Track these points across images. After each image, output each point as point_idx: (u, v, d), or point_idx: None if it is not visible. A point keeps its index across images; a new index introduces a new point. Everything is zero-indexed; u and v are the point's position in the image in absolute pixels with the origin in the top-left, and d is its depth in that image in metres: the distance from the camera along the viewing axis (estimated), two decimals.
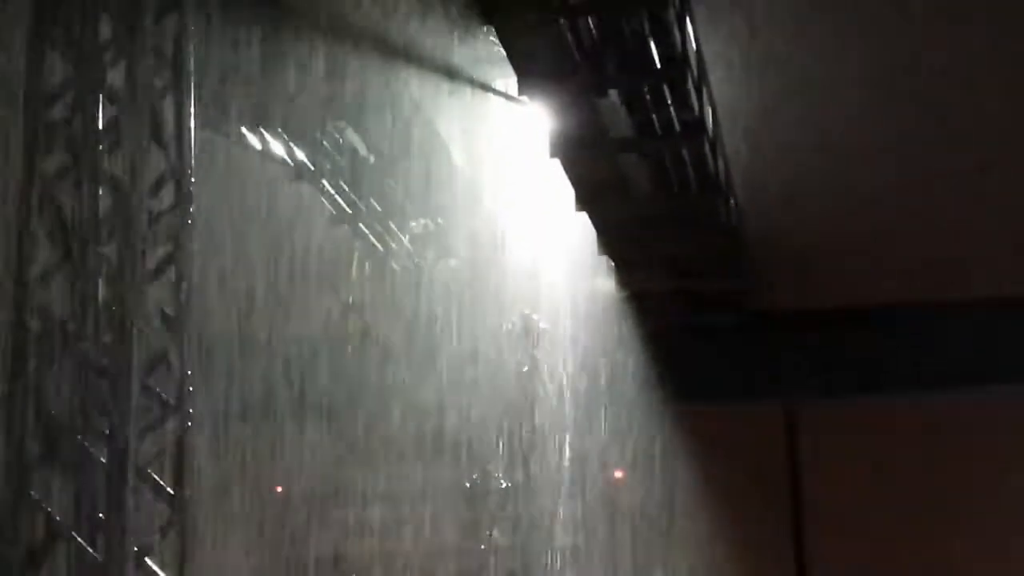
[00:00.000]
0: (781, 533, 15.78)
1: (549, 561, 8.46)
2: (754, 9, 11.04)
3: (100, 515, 5.09)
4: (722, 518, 13.72)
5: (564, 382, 9.44)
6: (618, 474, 10.79)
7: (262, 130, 8.93)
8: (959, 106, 13.87)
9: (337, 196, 9.04)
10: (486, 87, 9.42)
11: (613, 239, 10.98)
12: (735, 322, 13.35)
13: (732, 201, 11.72)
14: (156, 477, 5.35)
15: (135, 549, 5.05)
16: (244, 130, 8.89)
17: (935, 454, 16.92)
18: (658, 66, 9.43)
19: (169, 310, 5.57)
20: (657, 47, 9.33)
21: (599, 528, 9.94)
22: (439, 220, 9.23)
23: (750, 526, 14.30)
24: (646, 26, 9.15)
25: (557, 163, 9.20)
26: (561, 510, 8.91)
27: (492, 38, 9.06)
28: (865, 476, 15.85)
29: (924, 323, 15.32)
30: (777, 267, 13.60)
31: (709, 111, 10.18)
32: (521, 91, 9.35)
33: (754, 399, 14.71)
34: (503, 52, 8.97)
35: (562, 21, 9.02)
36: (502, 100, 9.22)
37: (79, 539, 5.03)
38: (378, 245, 9.14)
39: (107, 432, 5.11)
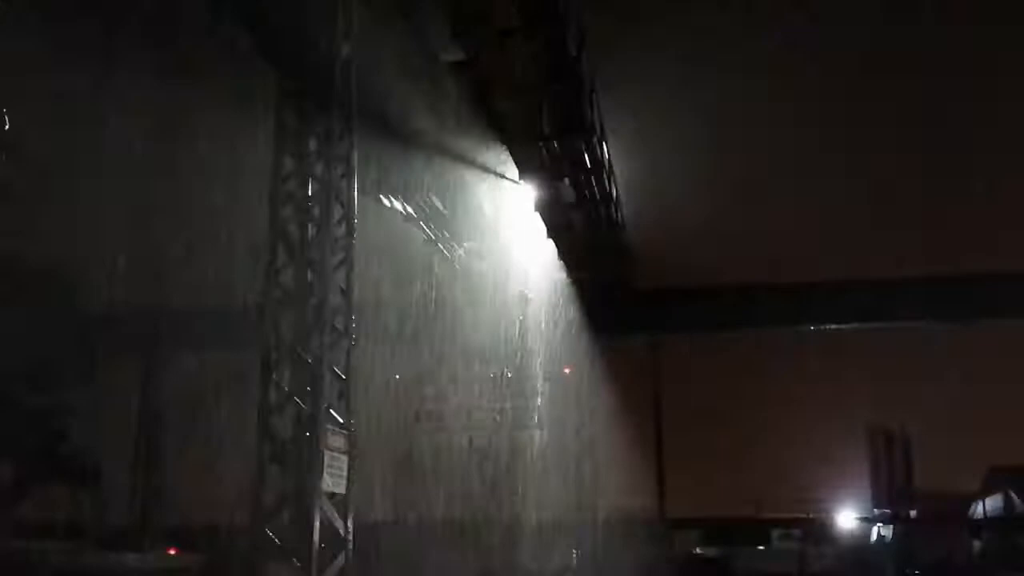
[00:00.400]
0: (648, 429, 24.93)
1: (535, 407, 17.00)
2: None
3: None
4: (612, 408, 22.82)
5: (541, 326, 18.02)
6: (567, 369, 19.56)
7: (391, 196, 17.04)
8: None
9: (427, 229, 17.35)
10: (501, 175, 17.84)
11: (564, 253, 19.86)
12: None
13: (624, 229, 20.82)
14: None
15: None
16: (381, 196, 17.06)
17: (763, 376, 26.51)
18: (588, 166, 18.36)
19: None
20: (588, 155, 18.19)
21: (552, 393, 18.30)
22: (477, 242, 17.58)
23: (630, 417, 23.36)
24: (582, 146, 17.96)
25: (539, 215, 18.00)
26: (539, 384, 17.43)
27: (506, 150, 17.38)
28: (709, 388, 25.26)
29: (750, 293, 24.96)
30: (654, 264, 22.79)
31: (615, 188, 19.19)
32: (521, 177, 18.01)
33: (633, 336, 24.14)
34: (512, 158, 17.40)
35: (540, 143, 17.76)
36: (510, 183, 17.73)
37: None
38: (446, 253, 17.44)
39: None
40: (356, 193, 12.40)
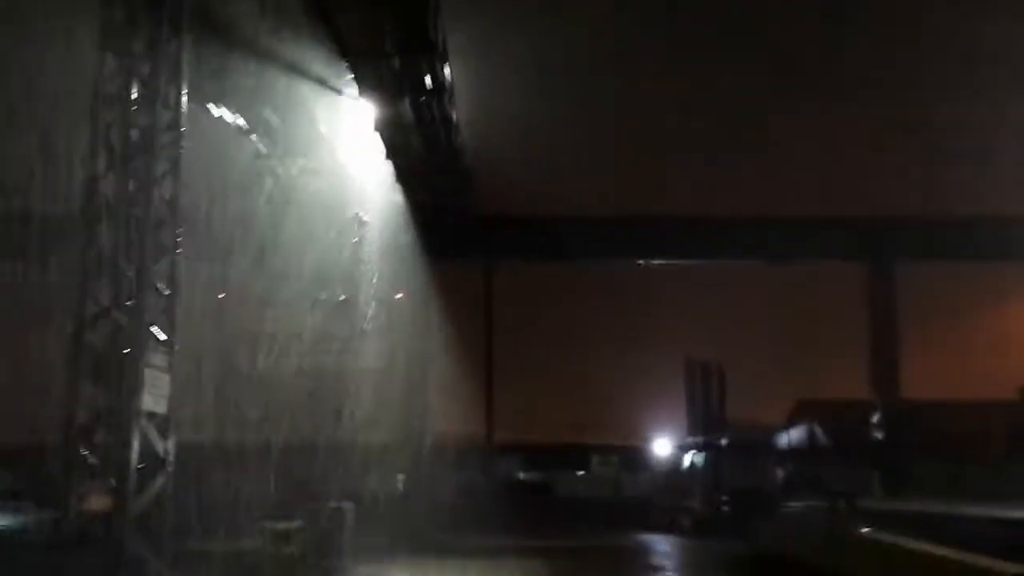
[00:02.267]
0: (478, 355, 25.22)
1: (366, 330, 16.81)
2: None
3: None
4: (444, 332, 22.98)
5: (376, 248, 17.72)
6: (401, 293, 19.39)
7: (222, 105, 16.29)
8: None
9: (259, 142, 16.73)
10: (340, 92, 17.34)
11: (403, 175, 19.54)
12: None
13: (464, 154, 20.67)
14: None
15: None
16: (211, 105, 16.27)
17: (590, 307, 27.22)
18: (430, 87, 18.03)
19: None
20: (430, 75, 17.84)
21: (384, 316, 18.14)
22: (312, 159, 17.10)
23: (461, 343, 23.55)
24: (424, 67, 17.61)
25: (378, 135, 17.58)
26: (371, 306, 17.22)
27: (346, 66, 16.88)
28: (539, 317, 25.73)
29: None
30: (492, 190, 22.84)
31: (456, 112, 18.93)
32: (360, 95, 17.53)
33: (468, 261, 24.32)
34: (352, 75, 16.91)
35: (382, 61, 17.31)
36: (349, 100, 17.26)
37: None
38: (279, 169, 16.90)
39: None
40: (185, 99, 11.78)
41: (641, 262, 30.59)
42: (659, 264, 30.91)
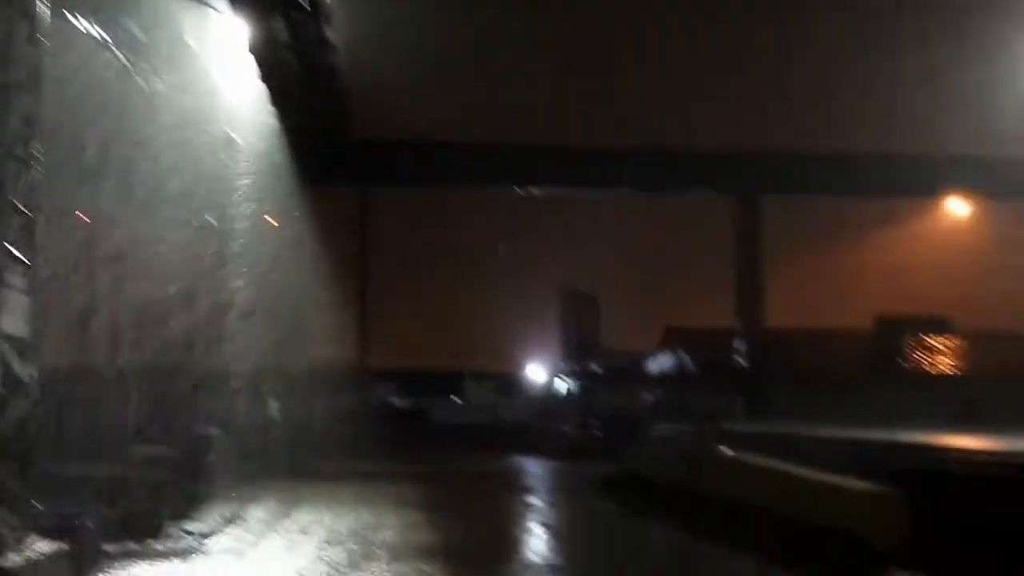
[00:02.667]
0: (353, 280, 25.09)
1: (238, 255, 16.41)
2: None
3: None
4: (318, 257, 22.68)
5: (248, 172, 17.21)
6: (273, 217, 18.96)
7: (81, 16, 15.49)
8: None
9: (123, 57, 15.99)
10: (210, 5, 16.64)
11: (276, 96, 18.99)
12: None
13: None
14: None
15: None
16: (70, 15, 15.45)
17: (467, 234, 27.34)
18: (305, 5, 17.51)
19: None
20: None
21: (256, 241, 17.72)
22: (180, 76, 16.44)
23: (335, 268, 23.32)
24: None
25: (251, 54, 16.98)
26: (243, 231, 16.80)
27: None
28: (415, 242, 25.74)
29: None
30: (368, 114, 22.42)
31: (332, 31, 18.45)
32: (232, 10, 16.88)
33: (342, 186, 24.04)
34: None
35: None
36: (220, 15, 16.60)
37: None
38: (145, 85, 16.19)
39: None
40: (44, 9, 11.12)
41: (518, 189, 30.69)
42: (535, 192, 31.08)
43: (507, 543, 12.30)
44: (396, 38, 22.91)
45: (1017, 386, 27.78)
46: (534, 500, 16.82)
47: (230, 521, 12.96)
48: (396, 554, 10.49)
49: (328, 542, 11.27)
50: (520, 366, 42.99)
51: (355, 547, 10.97)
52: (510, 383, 43.98)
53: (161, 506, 11.92)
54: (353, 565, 9.85)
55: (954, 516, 9.96)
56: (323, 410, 24.35)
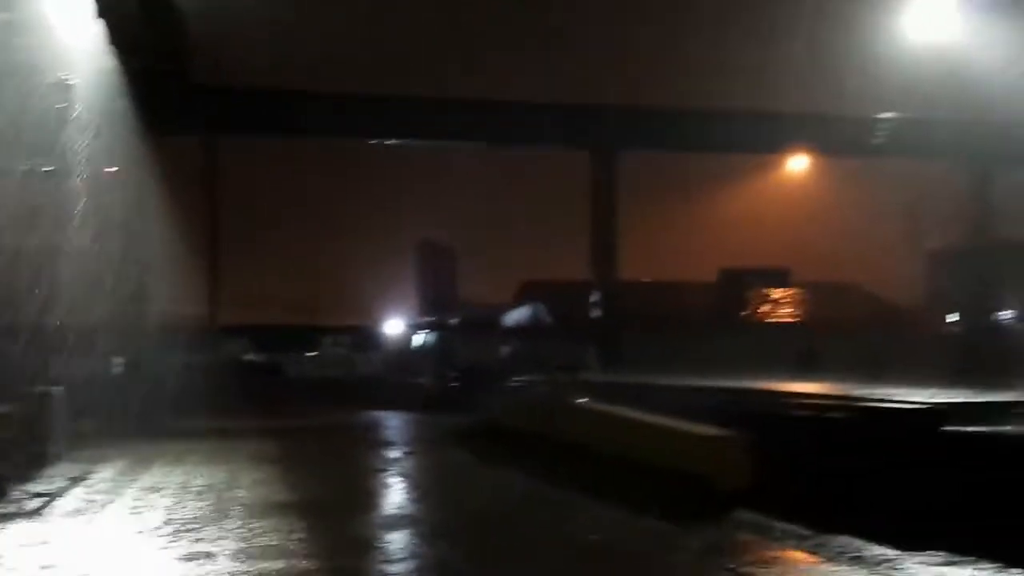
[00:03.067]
0: (202, 234, 24.39)
1: (75, 207, 15.55)
2: None
3: None
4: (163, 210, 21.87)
5: (85, 118, 16.28)
6: (114, 167, 18.03)
7: None
8: None
9: None
10: None
11: (115, 38, 17.99)
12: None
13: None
14: None
15: None
16: None
17: (322, 186, 26.84)
18: None
19: None
20: None
21: (95, 192, 16.83)
22: (9, 13, 15.33)
23: (183, 221, 22.58)
24: None
25: None
26: (80, 181, 15.95)
27: None
28: (266, 195, 25.06)
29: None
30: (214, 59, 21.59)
31: None
32: None
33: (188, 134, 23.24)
34: None
35: None
36: None
37: None
38: None
39: None
40: None
41: (372, 141, 30.19)
42: (390, 143, 30.64)
43: (365, 496, 12.22)
44: None
45: (852, 335, 29.35)
46: (392, 453, 16.75)
47: (77, 481, 12.45)
48: (251, 511, 10.26)
49: (179, 501, 10.93)
50: (376, 320, 42.71)
51: (208, 504, 10.68)
52: (367, 337, 43.68)
53: (2, 466, 11.38)
54: (205, 521, 9.59)
55: (794, 458, 10.43)
56: (174, 367, 23.53)
